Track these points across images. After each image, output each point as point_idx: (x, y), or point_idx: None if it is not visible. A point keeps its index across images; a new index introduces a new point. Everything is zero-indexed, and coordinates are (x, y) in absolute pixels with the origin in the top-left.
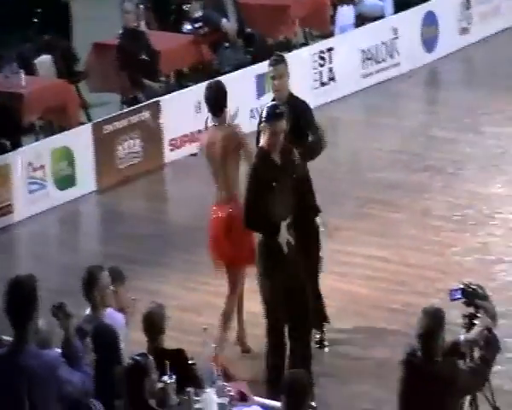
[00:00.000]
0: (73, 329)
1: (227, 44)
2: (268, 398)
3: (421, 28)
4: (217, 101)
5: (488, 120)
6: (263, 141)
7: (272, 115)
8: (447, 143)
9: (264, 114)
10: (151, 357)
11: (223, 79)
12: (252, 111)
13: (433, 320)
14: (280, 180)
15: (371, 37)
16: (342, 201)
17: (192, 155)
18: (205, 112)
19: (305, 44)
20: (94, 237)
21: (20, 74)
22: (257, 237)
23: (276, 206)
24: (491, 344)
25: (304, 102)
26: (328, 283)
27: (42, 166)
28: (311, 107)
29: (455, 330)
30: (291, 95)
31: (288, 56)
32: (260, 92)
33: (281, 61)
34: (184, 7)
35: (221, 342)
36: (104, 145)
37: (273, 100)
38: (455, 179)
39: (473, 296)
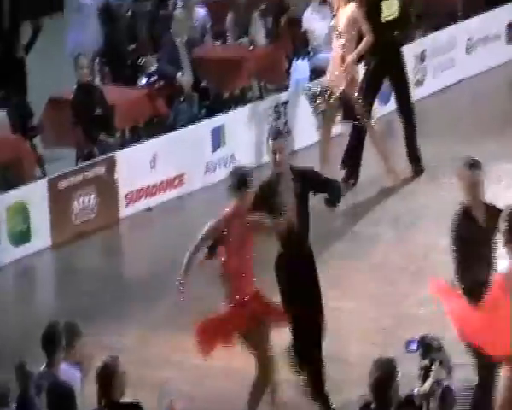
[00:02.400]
0: (30, 386)
1: (182, 98)
2: None
3: None
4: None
5: (443, 170)
6: None
7: None
8: (404, 193)
9: None
10: None
11: (178, 133)
12: (207, 165)
13: (385, 371)
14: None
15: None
16: None
17: (147, 209)
18: (160, 166)
19: (261, 98)
20: (49, 292)
21: None
22: None
23: None
24: (446, 397)
25: (305, 170)
26: (283, 336)
27: None
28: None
29: (410, 383)
30: (291, 167)
31: (243, 110)
32: (216, 146)
33: (282, 136)
34: (139, 61)
35: None
36: (59, 200)
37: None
38: (411, 230)
39: (428, 348)
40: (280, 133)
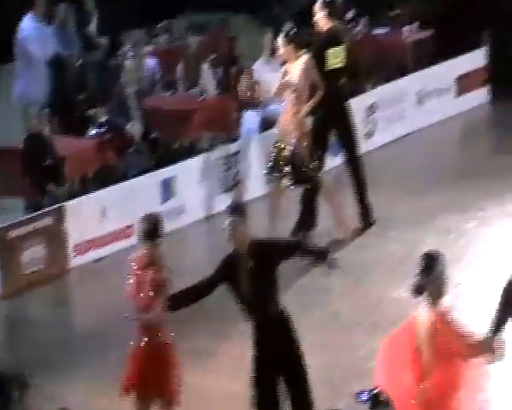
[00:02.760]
0: None
1: (132, 149)
2: None
3: None
4: None
5: (393, 224)
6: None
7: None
8: (353, 246)
9: None
10: None
11: (127, 183)
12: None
13: None
14: None
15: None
16: None
17: (96, 260)
18: (109, 217)
19: (211, 149)
20: None
21: None
22: None
23: None
24: None
25: (268, 244)
26: (230, 385)
27: None
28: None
29: None
30: (250, 242)
31: (194, 161)
32: (165, 197)
33: (238, 211)
34: (89, 112)
35: None
36: (8, 251)
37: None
38: (361, 283)
39: (377, 402)
40: (236, 209)
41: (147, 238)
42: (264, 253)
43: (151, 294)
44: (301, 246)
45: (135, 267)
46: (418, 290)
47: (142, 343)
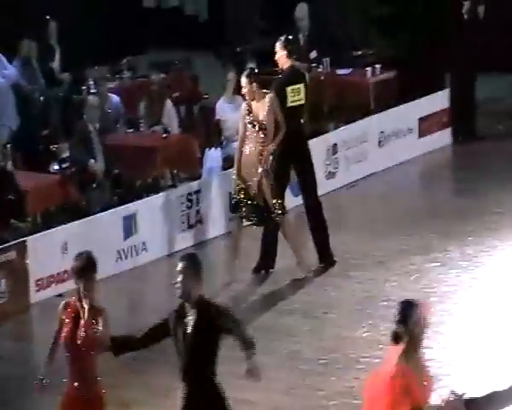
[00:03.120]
0: None
1: (94, 185)
2: None
3: None
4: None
5: (354, 264)
6: None
7: None
8: (314, 286)
9: None
10: None
11: (90, 219)
12: (119, 252)
13: None
14: None
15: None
16: None
17: (58, 295)
18: (71, 252)
19: (174, 186)
20: None
21: None
22: None
23: None
24: None
25: (216, 308)
26: None
27: None
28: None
29: None
30: (199, 298)
31: (156, 198)
32: (127, 234)
33: (187, 261)
34: (52, 147)
35: None
36: None
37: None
38: (322, 323)
39: None
40: (189, 260)
41: (80, 275)
42: (210, 316)
43: (83, 349)
44: (239, 331)
45: (68, 314)
46: (396, 338)
47: (73, 390)
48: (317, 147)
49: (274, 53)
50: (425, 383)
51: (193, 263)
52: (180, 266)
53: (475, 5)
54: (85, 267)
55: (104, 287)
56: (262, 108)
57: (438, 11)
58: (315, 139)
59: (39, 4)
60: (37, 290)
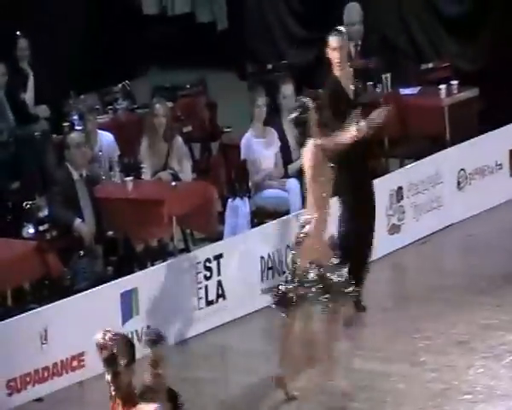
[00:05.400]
0: None
1: (82, 252)
2: None
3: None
4: None
5: (426, 346)
6: None
7: None
8: (375, 376)
9: None
10: None
11: (76, 298)
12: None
13: None
14: None
15: (274, 239)
16: None
17: (37, 399)
18: (52, 342)
19: (186, 251)
20: None
21: None
22: None
23: None
24: None
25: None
26: None
27: None
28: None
29: None
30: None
31: (163, 267)
32: (126, 315)
33: (154, 343)
34: (25, 204)
35: None
36: None
37: None
38: None
39: None
40: (158, 339)
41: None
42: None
43: None
44: None
45: None
46: None
47: None
48: (378, 192)
49: (316, 67)
50: None
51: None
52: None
53: None
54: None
55: (95, 385)
56: None
57: None
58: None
59: (5, 17)
60: (9, 394)
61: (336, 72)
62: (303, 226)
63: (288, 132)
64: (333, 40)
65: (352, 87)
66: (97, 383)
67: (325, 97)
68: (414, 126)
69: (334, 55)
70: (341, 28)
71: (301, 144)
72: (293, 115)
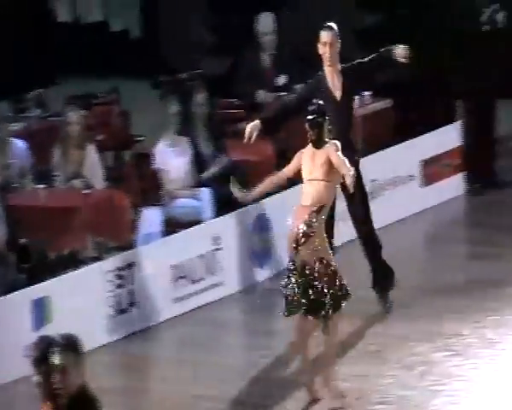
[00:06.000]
0: None
1: None
2: None
3: (250, 236)
4: None
5: (339, 356)
6: None
7: None
8: (289, 387)
9: None
10: None
11: None
12: (27, 350)
13: None
14: None
15: (184, 248)
16: None
17: None
18: None
19: (98, 259)
20: None
21: None
22: None
23: None
24: None
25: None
26: None
27: None
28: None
29: None
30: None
31: (75, 275)
32: (38, 323)
33: (71, 349)
34: None
35: None
36: None
37: None
38: None
39: None
40: (69, 345)
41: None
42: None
43: None
44: None
45: None
46: None
47: None
48: (288, 203)
49: (231, 77)
50: None
51: (74, 347)
52: (59, 352)
53: (495, 12)
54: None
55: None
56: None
57: (446, 20)
58: (283, 192)
59: None
60: None
61: (326, 67)
62: (308, 226)
63: (201, 141)
64: (323, 35)
65: (339, 85)
66: (6, 390)
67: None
68: None
69: (323, 50)
70: (332, 24)
71: (317, 147)
72: (310, 117)
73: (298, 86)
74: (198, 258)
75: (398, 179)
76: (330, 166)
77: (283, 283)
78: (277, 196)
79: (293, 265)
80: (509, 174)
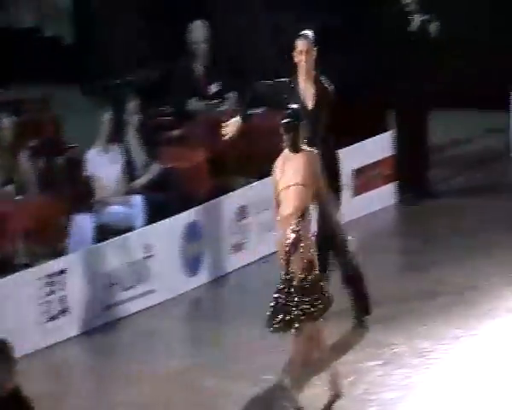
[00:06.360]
0: None
1: None
2: None
3: (182, 244)
4: None
5: (270, 365)
6: None
7: None
8: (217, 395)
9: None
10: None
11: None
12: None
13: None
14: None
15: (116, 255)
16: None
17: None
18: None
19: (29, 265)
20: None
21: None
22: None
23: None
24: None
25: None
26: None
27: None
28: None
29: None
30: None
31: (6, 282)
32: None
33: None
34: None
35: None
36: None
37: None
38: None
39: None
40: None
41: None
42: None
43: None
44: None
45: None
46: None
47: None
48: (220, 211)
49: (163, 85)
50: None
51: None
52: None
53: (427, 22)
54: None
55: None
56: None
57: (376, 26)
58: (217, 200)
59: None
60: None
61: (300, 76)
62: (295, 231)
63: (133, 149)
64: (299, 43)
65: (311, 95)
66: None
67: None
68: (259, 145)
69: (299, 59)
70: (308, 32)
71: (293, 151)
72: (285, 121)
73: (258, 85)
74: (129, 265)
75: None
76: (309, 171)
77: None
78: (208, 203)
79: (287, 278)
80: (440, 184)
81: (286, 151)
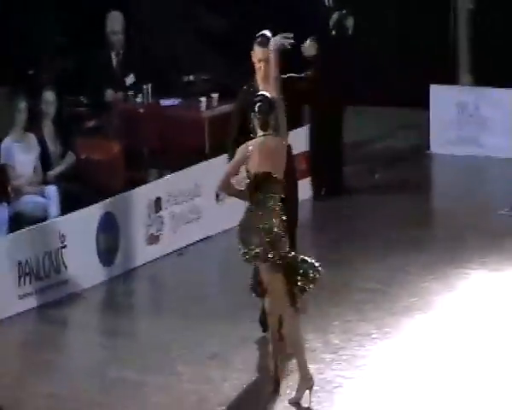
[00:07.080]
0: None
1: None
2: None
3: (97, 235)
4: None
5: (185, 357)
6: None
7: None
8: (132, 387)
9: None
10: None
11: None
12: None
13: None
14: None
15: (29, 245)
16: None
17: None
18: None
19: None
20: None
21: None
22: None
23: None
24: None
25: None
26: None
27: None
28: None
29: None
30: None
31: None
32: None
33: None
34: None
35: None
36: None
37: None
38: None
39: None
40: None
41: None
42: None
43: None
44: None
45: None
46: None
47: None
48: (135, 203)
49: (79, 75)
50: None
51: None
52: None
53: (343, 18)
54: None
55: None
56: None
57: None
58: (131, 192)
59: None
60: None
61: (259, 81)
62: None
63: (49, 138)
64: (258, 51)
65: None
66: None
67: (234, 110)
68: (174, 138)
69: (258, 66)
70: (267, 34)
71: (264, 130)
72: (257, 105)
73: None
74: (44, 255)
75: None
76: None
77: None
78: (124, 194)
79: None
80: (354, 180)
81: (260, 138)
